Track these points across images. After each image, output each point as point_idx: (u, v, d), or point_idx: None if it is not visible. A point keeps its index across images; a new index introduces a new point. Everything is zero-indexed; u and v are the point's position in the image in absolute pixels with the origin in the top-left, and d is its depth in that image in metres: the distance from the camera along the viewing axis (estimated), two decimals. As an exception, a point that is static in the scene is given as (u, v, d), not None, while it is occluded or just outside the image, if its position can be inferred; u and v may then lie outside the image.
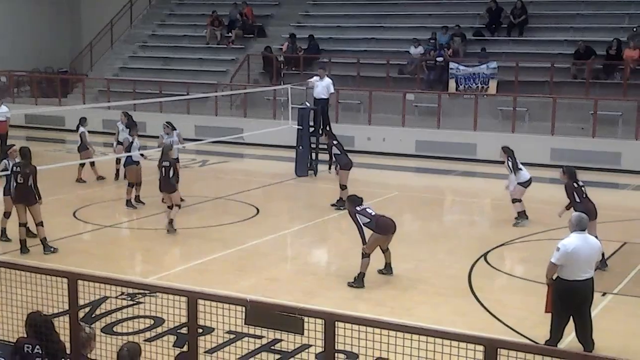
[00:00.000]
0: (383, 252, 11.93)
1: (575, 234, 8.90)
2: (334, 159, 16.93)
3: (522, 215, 15.20)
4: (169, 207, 14.60)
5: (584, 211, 10.50)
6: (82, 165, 18.55)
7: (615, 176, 20.38)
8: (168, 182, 14.52)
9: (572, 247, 8.75)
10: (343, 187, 16.12)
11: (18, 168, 12.93)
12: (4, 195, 13.60)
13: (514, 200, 15.26)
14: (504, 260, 13.14)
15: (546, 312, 9.11)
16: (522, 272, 12.25)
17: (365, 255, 11.53)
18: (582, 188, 12.31)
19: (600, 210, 15.70)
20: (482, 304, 10.88)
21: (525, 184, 15.18)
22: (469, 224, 16.41)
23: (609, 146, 21.00)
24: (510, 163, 15.15)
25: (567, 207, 12.37)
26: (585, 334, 9.01)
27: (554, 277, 8.94)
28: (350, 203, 11.89)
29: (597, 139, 21.25)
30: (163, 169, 14.57)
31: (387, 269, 12.06)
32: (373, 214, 11.67)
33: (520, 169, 15.22)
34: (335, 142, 16.67)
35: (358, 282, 11.52)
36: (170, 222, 14.41)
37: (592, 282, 8.95)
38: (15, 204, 12.99)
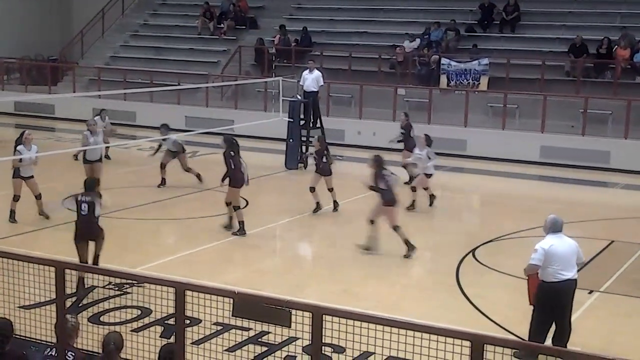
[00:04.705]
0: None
1: (550, 236, 8.90)
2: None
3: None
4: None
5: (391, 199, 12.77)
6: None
7: (604, 175, 20.45)
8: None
9: (548, 245, 8.75)
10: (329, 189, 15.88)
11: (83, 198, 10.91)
12: (13, 177, 14.04)
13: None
14: (491, 257, 13.16)
15: (531, 304, 9.14)
16: (510, 269, 12.26)
17: (237, 208, 13.75)
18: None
19: (588, 208, 15.85)
20: (469, 300, 10.92)
21: None
22: (457, 219, 16.44)
23: (598, 145, 21.07)
24: None
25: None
26: (562, 340, 8.96)
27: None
28: (226, 143, 13.85)
29: (587, 138, 21.31)
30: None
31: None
32: (240, 165, 13.75)
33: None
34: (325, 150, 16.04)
35: (241, 231, 13.66)
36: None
37: (574, 284, 8.94)
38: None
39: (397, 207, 13.02)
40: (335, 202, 15.63)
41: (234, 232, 13.79)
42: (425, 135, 16.28)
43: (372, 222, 12.91)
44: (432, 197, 16.22)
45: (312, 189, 15.41)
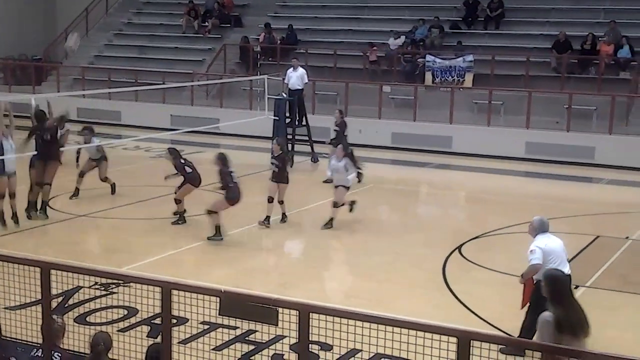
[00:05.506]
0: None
1: (540, 236, 8.95)
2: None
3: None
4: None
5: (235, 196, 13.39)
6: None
7: (589, 170, 20.55)
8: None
9: (544, 244, 8.81)
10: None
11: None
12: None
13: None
14: (478, 253, 13.20)
15: (522, 308, 9.15)
16: (496, 265, 12.31)
17: (179, 202, 14.42)
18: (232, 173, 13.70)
19: (574, 203, 15.91)
20: (456, 297, 10.94)
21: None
22: (444, 216, 16.48)
23: (583, 140, 21.17)
24: None
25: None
26: None
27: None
28: (172, 155, 14.56)
29: (572, 133, 21.41)
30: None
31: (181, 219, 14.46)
32: (190, 171, 14.36)
33: None
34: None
35: (181, 219, 14.41)
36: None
37: (570, 279, 8.99)
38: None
39: (236, 204, 13.50)
40: (284, 214, 14.67)
41: (173, 222, 14.43)
42: (342, 145, 15.29)
43: (210, 212, 13.40)
44: (331, 220, 14.30)
45: (270, 199, 14.51)
